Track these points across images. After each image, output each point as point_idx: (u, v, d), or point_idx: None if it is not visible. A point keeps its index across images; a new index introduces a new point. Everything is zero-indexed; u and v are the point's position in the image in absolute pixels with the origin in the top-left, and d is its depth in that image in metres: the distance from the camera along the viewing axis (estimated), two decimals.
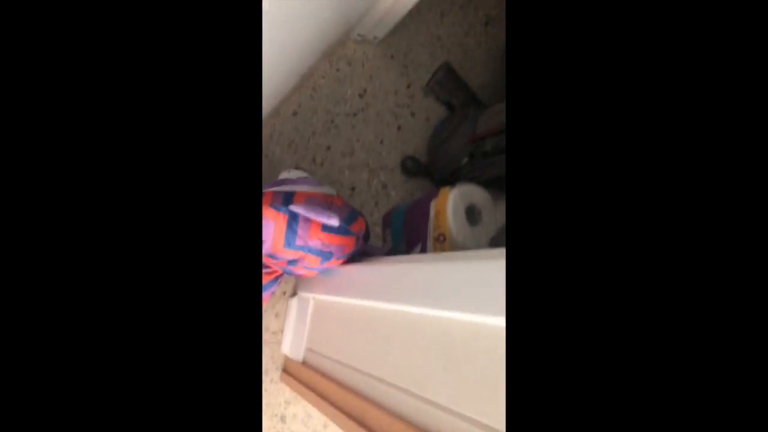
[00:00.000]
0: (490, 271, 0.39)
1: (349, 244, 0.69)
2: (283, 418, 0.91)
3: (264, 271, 0.75)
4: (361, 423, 0.57)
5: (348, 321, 0.70)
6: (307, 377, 0.79)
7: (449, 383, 0.45)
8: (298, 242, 0.65)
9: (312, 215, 0.63)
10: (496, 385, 0.39)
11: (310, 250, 0.66)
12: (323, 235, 0.65)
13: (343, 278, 0.71)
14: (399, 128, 1.15)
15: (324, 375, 0.73)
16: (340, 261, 0.71)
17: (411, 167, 1.13)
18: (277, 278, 0.77)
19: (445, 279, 0.46)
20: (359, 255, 0.75)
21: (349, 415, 0.60)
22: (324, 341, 0.78)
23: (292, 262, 0.69)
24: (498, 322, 0.38)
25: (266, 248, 0.67)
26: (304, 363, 0.82)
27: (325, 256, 0.68)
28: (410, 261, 0.57)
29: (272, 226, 0.64)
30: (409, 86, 1.18)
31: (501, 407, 0.38)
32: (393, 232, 0.92)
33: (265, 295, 0.78)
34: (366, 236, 0.75)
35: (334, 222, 0.64)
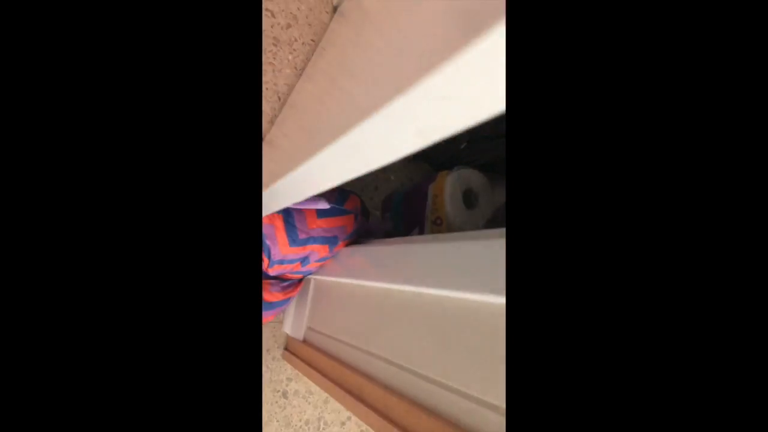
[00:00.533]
0: (484, 251, 0.41)
1: (348, 223, 0.70)
2: (285, 394, 0.95)
3: (283, 285, 0.77)
4: (358, 398, 0.59)
5: (347, 301, 0.72)
6: (307, 355, 0.81)
7: (444, 359, 0.47)
8: (301, 236, 0.66)
9: (301, 205, 0.64)
10: (488, 360, 0.41)
11: (315, 240, 0.67)
12: (321, 221, 0.67)
13: (343, 260, 0.72)
14: None
15: (324, 353, 0.75)
16: (346, 242, 0.72)
17: None
18: (290, 298, 0.79)
19: (440, 259, 0.47)
20: (363, 234, 0.76)
21: (348, 391, 0.62)
22: (324, 320, 0.80)
23: (303, 261, 0.70)
24: (491, 299, 0.40)
25: (276, 254, 0.67)
26: (305, 341, 0.85)
27: (331, 241, 0.69)
28: (407, 242, 0.58)
29: (272, 229, 0.65)
30: None
31: (495, 381, 0.39)
32: (393, 216, 0.94)
33: (274, 312, 0.80)
34: (365, 213, 0.76)
35: (324, 205, 0.65)
